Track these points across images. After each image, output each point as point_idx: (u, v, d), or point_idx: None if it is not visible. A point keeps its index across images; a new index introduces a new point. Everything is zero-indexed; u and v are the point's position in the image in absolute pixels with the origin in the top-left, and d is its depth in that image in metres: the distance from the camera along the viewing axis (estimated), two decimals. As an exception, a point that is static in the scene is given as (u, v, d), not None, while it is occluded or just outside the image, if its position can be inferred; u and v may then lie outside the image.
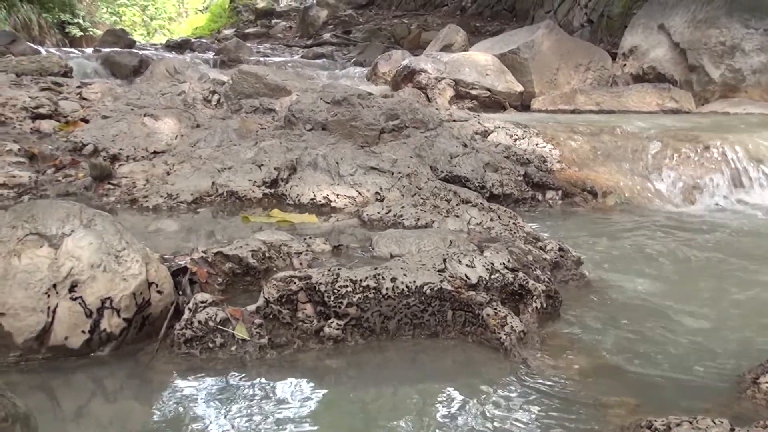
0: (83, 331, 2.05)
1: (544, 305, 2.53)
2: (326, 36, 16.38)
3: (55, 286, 2.03)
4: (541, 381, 2.06)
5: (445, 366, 2.21)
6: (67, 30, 19.05)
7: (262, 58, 11.51)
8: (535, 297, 2.51)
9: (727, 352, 2.33)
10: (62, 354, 2.04)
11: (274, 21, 20.97)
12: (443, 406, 1.91)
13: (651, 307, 2.75)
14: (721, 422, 1.62)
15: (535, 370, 2.13)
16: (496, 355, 2.24)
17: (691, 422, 1.63)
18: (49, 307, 2.01)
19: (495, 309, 2.35)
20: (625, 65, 8.65)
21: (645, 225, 4.23)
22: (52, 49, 10.63)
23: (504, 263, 2.57)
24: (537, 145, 5.40)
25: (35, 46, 9.66)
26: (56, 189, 3.95)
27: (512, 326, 2.30)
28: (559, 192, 4.73)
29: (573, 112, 7.47)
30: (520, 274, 2.55)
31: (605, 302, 2.79)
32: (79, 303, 2.04)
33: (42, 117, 5.14)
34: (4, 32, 10.36)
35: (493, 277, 2.49)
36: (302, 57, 13.06)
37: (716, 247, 3.72)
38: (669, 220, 4.39)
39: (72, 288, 2.04)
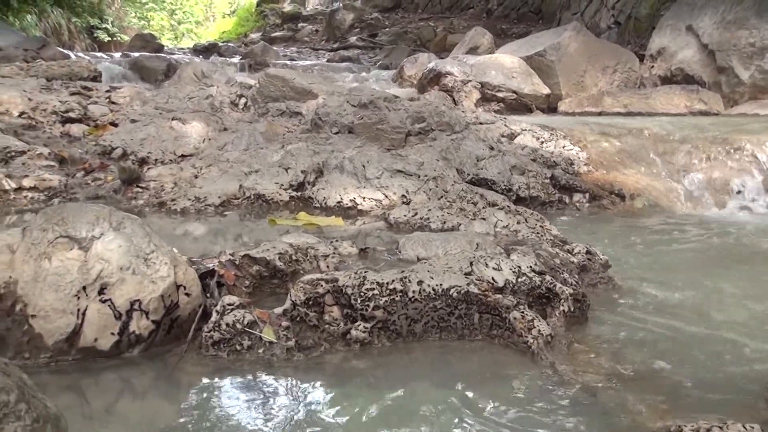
0: (112, 333, 2.07)
1: (572, 309, 2.52)
2: (352, 39, 16.42)
3: (84, 288, 2.05)
4: (568, 384, 2.05)
5: (471, 368, 2.20)
6: (96, 35, 19.26)
7: (288, 62, 11.56)
8: (562, 300, 2.50)
9: (758, 356, 2.31)
10: (92, 355, 2.06)
11: (300, 25, 21.05)
12: (470, 408, 1.91)
13: (680, 310, 2.72)
14: (752, 428, 1.60)
15: (563, 373, 2.12)
16: (523, 359, 2.23)
17: (721, 427, 1.61)
18: (78, 309, 2.03)
19: (522, 312, 2.34)
20: (652, 67, 8.58)
21: (674, 228, 4.19)
22: (82, 54, 10.75)
23: (531, 266, 2.56)
24: (564, 147, 5.38)
25: (65, 51, 9.77)
26: (86, 192, 3.99)
27: (539, 330, 2.29)
28: (587, 195, 4.71)
29: (600, 114, 7.41)
30: (548, 278, 2.54)
31: (633, 306, 2.77)
32: (109, 305, 2.06)
33: (72, 121, 5.19)
34: (35, 37, 10.50)
35: (520, 280, 2.48)
36: (328, 60, 13.09)
37: (746, 251, 3.68)
38: (698, 223, 4.35)
39: (101, 290, 2.06)
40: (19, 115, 5.06)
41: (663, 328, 2.53)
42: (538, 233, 3.40)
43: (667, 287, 3.00)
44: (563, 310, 2.49)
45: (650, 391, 2.02)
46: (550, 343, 2.28)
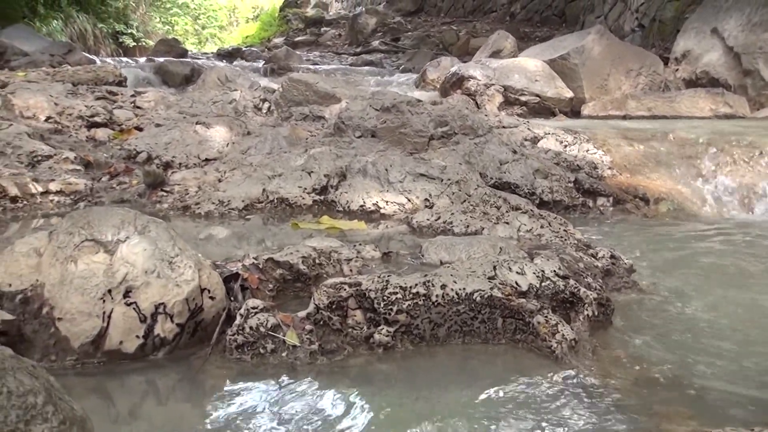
0: (137, 336, 2.08)
1: (596, 313, 2.51)
2: (375, 43, 16.46)
3: (110, 291, 2.07)
4: (592, 389, 2.03)
5: (495, 373, 2.19)
6: (121, 40, 19.46)
7: (311, 66, 11.60)
8: (586, 305, 2.49)
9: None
10: (117, 358, 2.08)
11: (323, 29, 21.14)
12: (493, 413, 1.90)
13: (706, 316, 2.70)
14: (780, 434, 1.59)
15: (587, 378, 2.11)
16: (547, 363, 2.22)
17: (748, 434, 1.60)
18: (104, 312, 2.05)
19: (546, 317, 2.33)
20: (677, 70, 8.52)
21: (699, 232, 4.16)
22: (107, 59, 10.86)
23: (555, 270, 2.55)
24: (587, 151, 5.35)
25: (90, 56, 9.88)
26: (111, 196, 4.03)
27: (563, 334, 2.28)
28: (611, 199, 4.68)
29: (624, 117, 7.37)
30: (572, 282, 2.53)
31: (658, 311, 2.75)
32: (134, 308, 2.07)
33: (97, 125, 5.25)
34: (61, 43, 10.62)
35: (543, 284, 2.47)
36: (351, 64, 13.14)
37: (774, 256, 3.64)
38: (724, 228, 4.31)
39: (126, 293, 2.08)
40: (46, 120, 5.12)
41: (688, 333, 2.51)
42: (561, 237, 3.38)
43: (692, 292, 2.97)
44: (587, 315, 2.48)
45: (675, 396, 2.00)
46: (574, 348, 2.27)
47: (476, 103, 7.39)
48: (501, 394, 2.02)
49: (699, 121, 6.80)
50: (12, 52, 8.09)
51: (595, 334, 2.45)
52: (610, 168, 5.16)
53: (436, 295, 2.30)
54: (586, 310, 2.48)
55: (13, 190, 3.73)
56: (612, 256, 3.06)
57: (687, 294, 2.95)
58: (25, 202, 3.75)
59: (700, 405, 1.95)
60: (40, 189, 3.85)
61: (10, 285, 2.11)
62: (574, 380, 2.09)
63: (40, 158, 4.23)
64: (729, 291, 3.05)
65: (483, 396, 2.01)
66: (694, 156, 5.26)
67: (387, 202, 3.95)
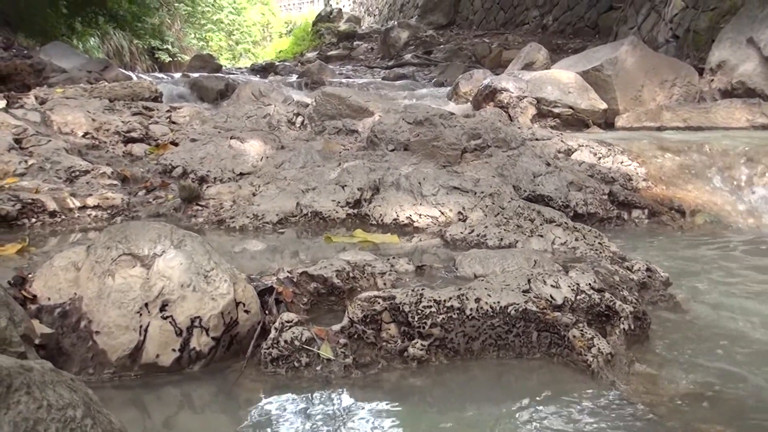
0: (173, 350, 2.10)
1: (632, 327, 2.48)
2: (407, 57, 16.51)
3: (147, 305, 2.09)
4: (629, 405, 2.01)
5: (530, 387, 2.18)
6: (156, 55, 19.74)
7: (344, 80, 11.67)
8: (622, 318, 2.46)
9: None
10: (153, 371, 2.09)
11: (355, 43, 21.26)
12: (529, 428, 1.89)
13: (744, 330, 2.66)
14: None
15: (624, 393, 2.08)
16: (583, 378, 2.20)
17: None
18: (141, 326, 2.07)
19: (581, 330, 2.31)
20: (712, 81, 8.43)
21: (736, 245, 4.10)
22: (143, 75, 10.99)
23: (590, 284, 2.53)
24: (622, 163, 5.31)
25: (127, 72, 10.01)
26: (147, 210, 4.07)
27: (599, 348, 2.26)
28: (646, 211, 4.63)
29: (659, 129, 7.31)
30: (607, 295, 2.51)
31: (695, 324, 2.71)
32: (170, 322, 2.09)
33: (134, 140, 5.32)
34: (98, 59, 10.79)
35: (578, 297, 2.45)
36: (384, 78, 13.19)
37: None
38: (762, 240, 4.25)
39: (163, 307, 2.10)
40: (84, 135, 5.20)
41: (726, 348, 2.48)
42: (596, 250, 3.36)
43: (730, 306, 2.93)
44: (623, 329, 2.45)
45: (712, 413, 1.97)
46: (610, 362, 2.24)
47: (509, 115, 7.37)
48: (536, 409, 2.00)
49: (735, 132, 6.71)
50: (51, 68, 8.22)
51: (631, 348, 2.43)
52: (645, 180, 5.12)
53: (471, 309, 2.30)
54: (623, 323, 2.46)
55: (52, 205, 3.78)
56: (648, 269, 3.02)
57: (725, 308, 2.90)
58: (63, 217, 3.81)
59: (737, 421, 1.91)
60: (78, 204, 3.91)
61: (49, 299, 2.14)
62: (611, 395, 2.07)
63: (77, 173, 4.29)
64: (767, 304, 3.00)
65: (518, 411, 2.00)
66: (730, 167, 5.19)
67: (420, 215, 3.95)
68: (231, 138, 5.11)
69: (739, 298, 3.06)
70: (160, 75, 11.93)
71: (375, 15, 30.13)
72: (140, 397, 2.02)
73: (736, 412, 1.99)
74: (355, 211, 4.06)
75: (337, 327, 2.29)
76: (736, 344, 2.51)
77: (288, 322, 2.24)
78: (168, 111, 6.15)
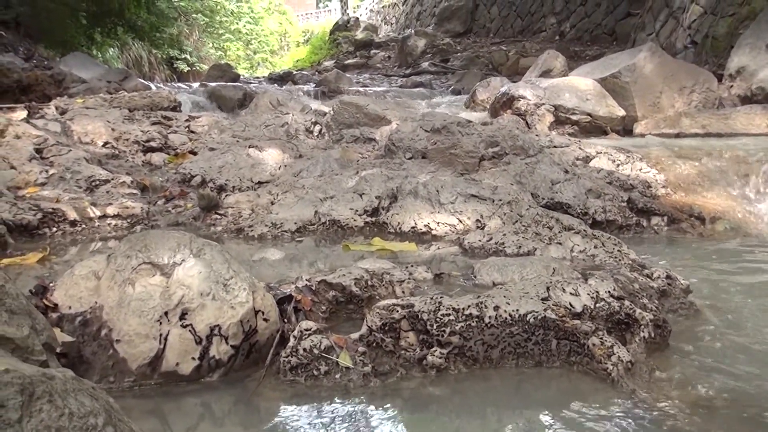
0: (193, 358, 2.11)
1: (652, 335, 2.47)
2: (424, 65, 16.53)
3: (166, 313, 2.10)
4: (649, 413, 2.00)
5: (550, 395, 2.17)
6: (175, 65, 19.88)
7: (361, 89, 11.69)
8: (642, 326, 2.45)
9: None
10: (173, 380, 2.10)
11: (372, 51, 21.31)
12: (549, 437, 1.88)
13: (765, 338, 2.63)
14: None
15: (644, 401, 2.07)
16: (602, 386, 2.19)
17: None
18: (161, 334, 2.08)
19: (601, 338, 2.30)
20: (731, 87, 8.38)
21: (758, 252, 4.07)
22: (162, 84, 11.07)
23: (609, 291, 2.52)
24: (641, 170, 5.28)
25: (146, 82, 10.08)
26: (167, 219, 4.10)
27: (619, 356, 2.24)
28: (665, 218, 4.60)
29: (677, 135, 7.26)
30: (627, 303, 2.50)
31: (716, 333, 2.69)
32: (190, 330, 2.10)
33: (153, 150, 5.36)
34: (117, 69, 10.87)
35: (598, 305, 2.44)
36: (401, 86, 13.21)
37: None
38: (783, 247, 4.21)
39: (183, 315, 2.11)
40: (104, 145, 5.24)
41: (747, 356, 2.45)
42: (615, 257, 3.34)
43: (751, 315, 2.90)
44: (643, 337, 2.44)
45: (734, 422, 1.96)
46: (630, 370, 2.23)
47: (527, 123, 7.36)
48: (556, 418, 1.99)
49: (755, 138, 6.66)
50: (71, 79, 8.29)
51: (651, 356, 2.41)
52: (664, 187, 5.09)
53: (489, 317, 2.29)
54: (642, 331, 2.44)
55: (72, 214, 3.81)
56: (668, 277, 3.00)
57: (746, 316, 2.88)
58: (83, 226, 3.83)
59: (760, 431, 1.90)
60: (98, 213, 3.94)
61: (70, 307, 2.15)
62: (631, 404, 2.06)
63: (97, 183, 4.32)
64: (790, 312, 2.97)
65: (538, 420, 1.99)
66: (751, 173, 5.15)
67: (438, 223, 3.95)
68: (249, 147, 5.13)
69: (761, 306, 3.03)
70: (179, 84, 12.01)
71: (392, 23, 30.21)
72: (160, 406, 2.03)
73: (757, 420, 1.98)
74: (373, 219, 4.06)
75: (355, 335, 2.29)
76: (757, 352, 2.48)
77: (307, 330, 2.25)
78: (187, 120, 6.19)
